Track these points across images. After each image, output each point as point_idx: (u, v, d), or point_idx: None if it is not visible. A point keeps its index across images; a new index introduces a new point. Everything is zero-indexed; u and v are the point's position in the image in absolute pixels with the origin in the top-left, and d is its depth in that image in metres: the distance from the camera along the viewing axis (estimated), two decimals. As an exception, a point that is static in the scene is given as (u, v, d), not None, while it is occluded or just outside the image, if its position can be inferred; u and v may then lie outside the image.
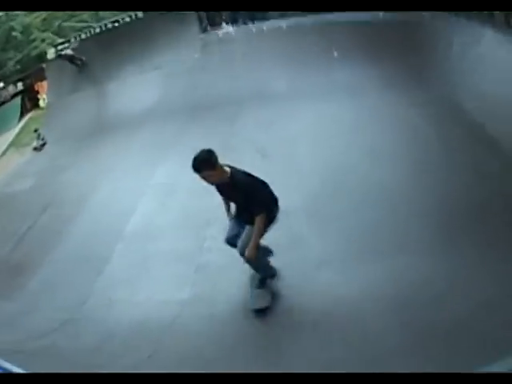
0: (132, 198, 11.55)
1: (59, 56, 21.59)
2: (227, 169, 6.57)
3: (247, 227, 6.76)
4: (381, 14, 17.89)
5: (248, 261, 6.78)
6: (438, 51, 14.31)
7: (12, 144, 23.56)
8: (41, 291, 9.47)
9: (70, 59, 21.08)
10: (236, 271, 7.72)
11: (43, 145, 19.50)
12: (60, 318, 8.31)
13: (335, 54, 15.71)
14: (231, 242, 7.14)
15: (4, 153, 22.57)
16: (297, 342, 6.25)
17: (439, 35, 14.78)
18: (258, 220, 6.42)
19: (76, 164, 15.22)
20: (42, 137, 19.75)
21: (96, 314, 8.21)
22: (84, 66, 20.98)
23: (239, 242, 6.78)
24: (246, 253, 6.51)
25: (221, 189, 6.88)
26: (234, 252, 6.93)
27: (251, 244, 6.45)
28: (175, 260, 8.88)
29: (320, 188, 9.64)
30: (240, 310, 7.24)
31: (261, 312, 7.05)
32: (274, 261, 7.45)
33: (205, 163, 6.26)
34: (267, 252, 7.52)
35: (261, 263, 7.16)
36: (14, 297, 9.60)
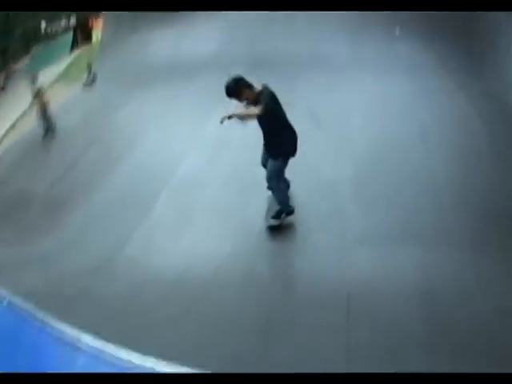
0: (182, 147, 11.31)
1: None
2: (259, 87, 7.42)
3: (269, 160, 7.74)
4: None
5: (271, 188, 8.03)
6: (502, 41, 13.64)
7: (61, 76, 23.48)
8: (79, 230, 9.42)
9: None
10: (278, 235, 7.87)
11: (93, 81, 19.32)
12: (97, 261, 8.24)
13: (397, 30, 15.04)
14: (264, 165, 7.98)
15: (51, 85, 22.46)
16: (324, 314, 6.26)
17: (504, 23, 13.95)
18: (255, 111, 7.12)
19: (126, 105, 14.88)
20: (93, 72, 19.62)
21: (134, 259, 8.09)
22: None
23: (266, 173, 7.81)
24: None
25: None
26: None
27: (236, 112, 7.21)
28: (219, 214, 8.76)
29: (369, 163, 9.48)
30: (280, 273, 7.45)
31: (274, 229, 8.00)
32: (315, 229, 7.88)
33: (236, 85, 7.33)
34: (287, 186, 8.41)
35: (281, 194, 8.02)
36: (50, 233, 9.58)
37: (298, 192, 8.68)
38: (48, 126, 15.07)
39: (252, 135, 10.39)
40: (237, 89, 7.29)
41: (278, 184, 7.91)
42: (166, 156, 11.13)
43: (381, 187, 8.77)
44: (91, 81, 19.28)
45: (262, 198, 8.71)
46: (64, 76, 23.56)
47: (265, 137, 7.72)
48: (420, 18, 14.67)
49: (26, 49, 34.85)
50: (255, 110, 7.07)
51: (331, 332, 5.85)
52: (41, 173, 12.72)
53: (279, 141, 7.61)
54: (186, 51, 17.51)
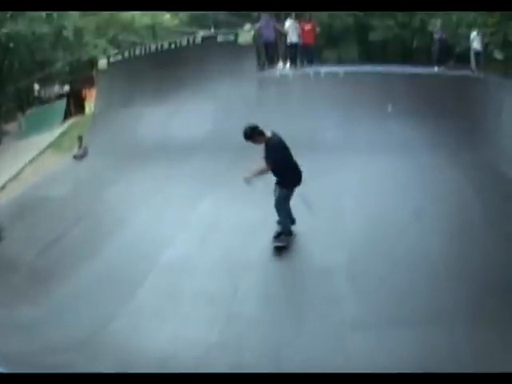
0: (171, 229, 11.42)
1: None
2: (269, 133, 9.63)
3: (278, 189, 9.73)
4: (436, 68, 19.04)
5: (277, 209, 9.74)
6: (489, 111, 14.46)
7: (51, 146, 23.83)
8: (65, 304, 9.46)
9: None
10: (267, 327, 7.86)
11: (84, 155, 19.67)
12: (81, 336, 8.27)
13: (389, 108, 15.70)
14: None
15: (42, 153, 22.90)
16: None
17: (491, 94, 14.94)
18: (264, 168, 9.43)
19: (116, 182, 15.18)
20: (84, 146, 19.96)
21: (118, 339, 8.14)
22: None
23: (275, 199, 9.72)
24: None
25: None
26: (267, 305, 7.84)
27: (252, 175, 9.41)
28: (207, 301, 8.78)
29: (363, 246, 9.59)
30: (269, 363, 7.16)
31: (279, 249, 9.76)
32: (307, 316, 7.92)
33: (252, 132, 9.42)
34: (291, 217, 10.11)
35: (284, 217, 9.90)
36: (36, 303, 9.63)
37: (290, 277, 8.88)
38: None
39: (243, 218, 10.81)
40: (252, 135, 9.40)
41: (284, 208, 9.81)
42: (155, 237, 11.20)
43: (375, 269, 8.87)
44: (82, 154, 19.63)
45: (251, 284, 8.86)
46: (55, 145, 23.79)
47: (274, 174, 9.65)
48: (411, 95, 15.60)
49: (18, 110, 35.46)
50: (264, 167, 9.42)
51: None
52: (29, 240, 12.79)
53: (286, 177, 9.67)
54: (179, 130, 17.92)
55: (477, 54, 19.93)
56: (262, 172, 9.45)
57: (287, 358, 7.23)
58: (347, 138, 15.15)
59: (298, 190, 10.78)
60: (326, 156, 13.96)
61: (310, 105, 16.37)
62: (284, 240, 9.92)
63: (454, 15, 34.97)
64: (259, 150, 14.16)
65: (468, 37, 21.31)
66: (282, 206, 9.74)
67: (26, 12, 30.16)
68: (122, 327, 8.44)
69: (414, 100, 15.55)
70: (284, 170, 9.59)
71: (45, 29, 31.85)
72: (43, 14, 33.64)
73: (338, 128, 15.58)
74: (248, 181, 9.31)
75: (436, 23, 25.41)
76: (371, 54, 34.97)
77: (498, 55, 34.29)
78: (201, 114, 17.98)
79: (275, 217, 9.96)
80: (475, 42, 20.03)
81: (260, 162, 9.44)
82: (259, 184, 9.62)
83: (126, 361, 7.47)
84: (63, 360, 7.55)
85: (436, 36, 21.31)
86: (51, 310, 9.32)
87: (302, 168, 10.34)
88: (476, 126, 14.31)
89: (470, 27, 21.90)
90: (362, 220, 10.58)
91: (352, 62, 25.63)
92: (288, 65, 19.56)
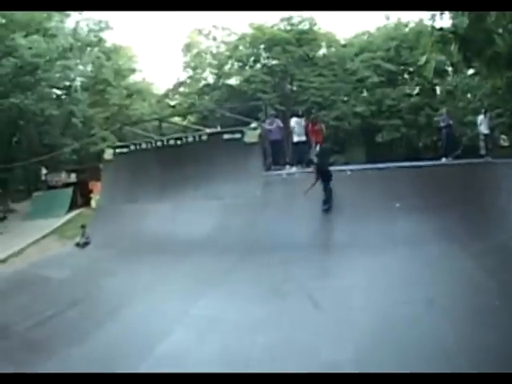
0: (167, 323, 11.16)
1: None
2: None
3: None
4: (443, 159, 19.45)
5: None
6: (498, 194, 14.73)
7: (55, 231, 24.10)
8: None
9: None
10: None
11: (86, 243, 19.72)
12: None
13: (397, 205, 15.96)
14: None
15: (45, 236, 23.12)
16: None
17: (498, 177, 15.28)
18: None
19: (115, 273, 15.15)
20: (87, 235, 20.02)
21: None
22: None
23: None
24: None
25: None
26: None
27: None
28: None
29: (372, 341, 9.23)
30: None
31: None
32: None
33: None
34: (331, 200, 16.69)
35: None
36: (20, 371, 9.13)
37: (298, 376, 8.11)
38: None
39: (243, 318, 10.75)
40: None
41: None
42: (151, 330, 10.89)
43: (385, 361, 8.40)
44: (84, 243, 19.68)
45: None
46: (59, 231, 24.04)
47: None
48: (418, 189, 15.96)
49: (26, 191, 36.02)
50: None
51: None
52: (22, 312, 12.60)
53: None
54: (182, 227, 18.02)
55: (485, 136, 20.23)
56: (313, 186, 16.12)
57: None
58: (353, 236, 15.22)
59: (302, 289, 10.86)
60: (331, 255, 14.16)
61: (317, 204, 16.65)
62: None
63: (460, 102, 35.92)
64: (262, 254, 14.76)
65: (475, 123, 21.75)
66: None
67: (36, 88, 31.14)
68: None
69: (421, 194, 15.85)
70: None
71: (54, 111, 32.65)
72: (53, 93, 34.72)
73: (345, 226, 15.74)
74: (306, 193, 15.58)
75: (442, 111, 25.75)
76: (378, 155, 35.49)
77: (505, 141, 35.12)
78: (205, 212, 18.18)
79: (277, 317, 10.26)
80: (483, 125, 20.35)
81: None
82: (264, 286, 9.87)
83: None
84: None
85: (442, 124, 21.50)
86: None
87: (308, 266, 10.44)
88: (485, 211, 14.49)
89: (477, 113, 22.29)
90: (370, 314, 10.32)
91: (359, 163, 26.14)
92: (295, 165, 19.85)
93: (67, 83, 37.30)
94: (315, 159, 16.94)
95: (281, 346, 9.50)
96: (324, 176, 16.70)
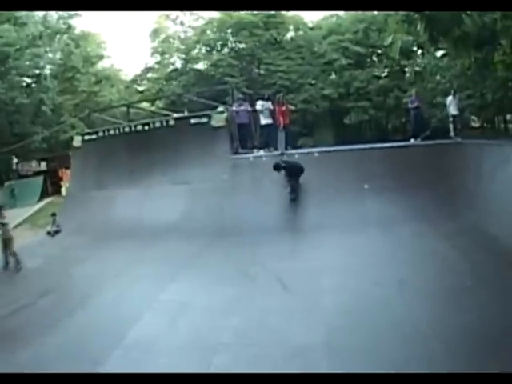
0: (138, 309, 11.14)
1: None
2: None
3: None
4: (412, 140, 19.39)
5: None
6: (467, 175, 14.82)
7: (27, 221, 24.02)
8: (25, 367, 8.85)
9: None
10: None
11: (57, 232, 19.73)
12: None
13: (366, 186, 16.06)
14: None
15: (17, 226, 23.03)
16: None
17: (468, 158, 15.38)
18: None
19: (85, 260, 15.15)
20: (57, 223, 20.02)
21: None
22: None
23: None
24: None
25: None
26: None
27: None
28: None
29: (343, 322, 9.25)
30: None
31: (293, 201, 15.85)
32: None
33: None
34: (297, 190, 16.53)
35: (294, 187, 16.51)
36: None
37: (266, 357, 8.43)
38: (6, 262, 15.34)
39: (214, 300, 10.95)
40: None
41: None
42: (122, 316, 10.90)
43: (358, 343, 8.41)
44: (55, 231, 19.69)
45: (223, 364, 8.36)
46: (31, 220, 24.03)
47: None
48: (387, 170, 16.02)
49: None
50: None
51: None
52: None
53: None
54: (151, 212, 18.16)
55: (454, 117, 20.17)
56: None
57: None
58: (324, 217, 15.34)
59: (271, 271, 11.10)
60: (301, 237, 14.21)
61: (282, 189, 16.73)
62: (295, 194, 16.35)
63: (429, 83, 36.09)
64: (230, 237, 14.91)
65: (444, 105, 21.66)
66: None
67: (6, 76, 30.88)
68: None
69: (390, 175, 15.93)
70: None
71: (24, 100, 32.45)
72: (22, 81, 34.42)
73: (314, 208, 15.88)
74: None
75: (411, 92, 25.77)
76: (347, 137, 35.58)
77: (475, 122, 35.31)
78: (173, 196, 18.23)
79: (246, 301, 10.50)
80: (452, 106, 20.27)
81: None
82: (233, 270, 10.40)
83: None
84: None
85: (411, 105, 21.40)
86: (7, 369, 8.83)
87: (277, 248, 10.56)
88: (456, 191, 14.60)
89: (446, 94, 22.32)
90: (341, 296, 10.33)
91: (328, 146, 26.21)
92: (262, 148, 19.82)
93: (37, 71, 37.12)
94: (282, 164, 16.62)
95: (251, 330, 9.58)
96: (294, 175, 16.68)
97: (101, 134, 22.62)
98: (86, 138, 23.12)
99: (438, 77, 38.03)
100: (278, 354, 8.49)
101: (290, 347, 8.66)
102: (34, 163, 34.47)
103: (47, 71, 39.07)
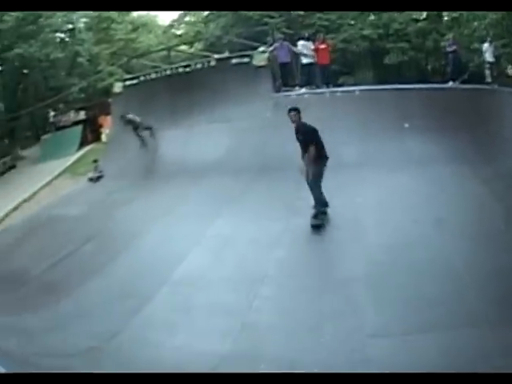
0: (184, 246, 11.23)
1: (123, 119, 20.02)
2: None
3: (309, 169, 10.91)
4: (450, 83, 19.16)
5: (311, 188, 11.02)
6: (504, 122, 14.56)
7: (67, 170, 24.03)
8: (71, 314, 9.29)
9: (136, 127, 19.92)
10: (282, 335, 7.56)
11: (99, 177, 19.77)
12: (85, 344, 8.08)
13: (406, 125, 15.73)
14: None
15: (57, 177, 23.07)
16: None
17: (506, 105, 15.12)
18: (311, 149, 10.98)
19: (130, 202, 15.23)
20: (99, 169, 20.07)
21: (125, 349, 7.88)
22: (151, 137, 19.96)
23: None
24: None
25: (296, 132, 11.62)
26: (284, 316, 7.81)
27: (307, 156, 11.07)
28: (221, 313, 8.47)
29: (383, 257, 9.32)
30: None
31: (316, 228, 10.78)
32: (330, 327, 7.58)
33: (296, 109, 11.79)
34: (324, 201, 11.11)
35: (318, 195, 10.98)
36: (40, 313, 9.57)
37: (308, 288, 8.66)
38: None
39: (259, 234, 11.01)
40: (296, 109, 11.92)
41: (317, 185, 11.03)
42: (169, 254, 11.02)
43: (396, 279, 8.60)
44: (97, 177, 19.74)
45: (267, 295, 8.65)
46: (71, 170, 24.06)
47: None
48: (426, 111, 15.78)
49: (34, 136, 35.93)
50: (312, 150, 10.98)
51: None
52: (40, 255, 12.80)
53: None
54: (194, 152, 18.01)
55: (490, 64, 20.03)
56: (311, 155, 10.94)
57: (304, 368, 6.63)
58: (365, 154, 15.13)
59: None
60: (344, 173, 13.86)
61: (326, 124, 15.59)
62: (320, 219, 10.94)
63: (466, 29, 35.29)
64: (275, 173, 14.78)
65: (480, 51, 21.42)
66: (314, 184, 10.96)
67: (39, 35, 30.71)
68: (127, 340, 8.16)
69: (430, 115, 15.62)
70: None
71: (59, 54, 32.29)
72: (57, 37, 34.22)
73: (355, 145, 15.58)
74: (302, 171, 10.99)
75: (449, 36, 25.38)
76: (387, 77, 34.96)
77: (511, 70, 34.49)
78: (217, 135, 18.00)
79: (291, 234, 10.58)
80: (488, 53, 20.09)
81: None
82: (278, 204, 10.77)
83: (132, 369, 6.87)
84: (60, 364, 7.28)
85: (449, 49, 21.25)
86: (57, 319, 9.19)
87: (323, 183, 10.42)
88: (493, 137, 14.28)
89: (482, 41, 21.85)
90: (382, 232, 10.43)
91: (368, 85, 25.75)
92: (304, 86, 19.53)
93: (70, 26, 36.71)
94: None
95: (295, 263, 9.83)
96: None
97: (142, 78, 22.63)
98: (127, 83, 23.13)
99: (475, 23, 37.20)
100: (320, 286, 8.72)
101: (332, 279, 8.95)
102: (72, 114, 34.38)
103: (81, 25, 38.57)
